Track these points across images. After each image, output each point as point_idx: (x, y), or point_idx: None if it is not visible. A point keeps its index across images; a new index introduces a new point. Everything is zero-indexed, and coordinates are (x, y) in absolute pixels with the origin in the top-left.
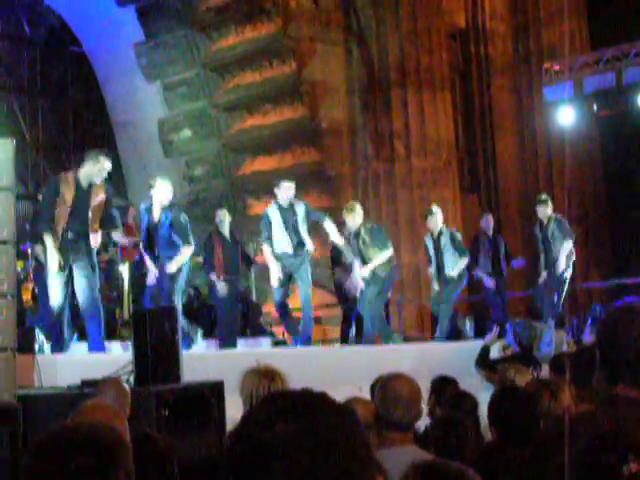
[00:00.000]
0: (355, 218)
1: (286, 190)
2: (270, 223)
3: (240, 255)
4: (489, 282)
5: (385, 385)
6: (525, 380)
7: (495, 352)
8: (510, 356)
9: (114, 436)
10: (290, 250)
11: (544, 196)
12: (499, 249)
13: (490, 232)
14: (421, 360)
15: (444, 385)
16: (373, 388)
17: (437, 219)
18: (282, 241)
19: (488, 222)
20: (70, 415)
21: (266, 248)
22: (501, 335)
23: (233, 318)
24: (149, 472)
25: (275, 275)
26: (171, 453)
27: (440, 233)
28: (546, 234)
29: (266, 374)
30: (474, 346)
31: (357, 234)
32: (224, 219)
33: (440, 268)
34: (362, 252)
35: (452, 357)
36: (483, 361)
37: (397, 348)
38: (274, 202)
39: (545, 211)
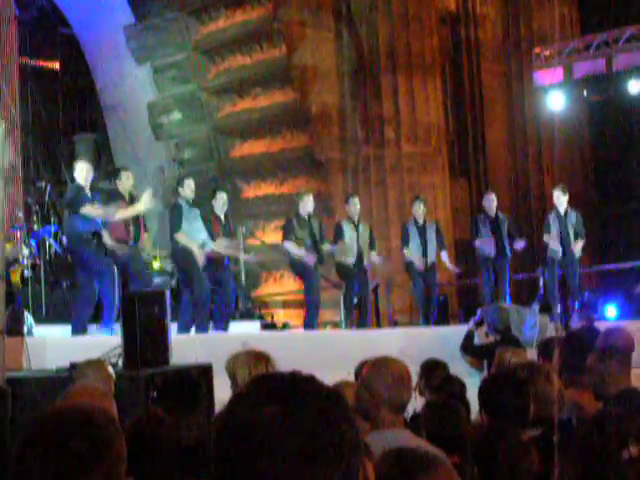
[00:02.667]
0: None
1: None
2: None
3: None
4: (487, 250)
5: (376, 366)
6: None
7: (478, 338)
8: (493, 341)
9: (107, 419)
10: None
11: (562, 185)
12: (501, 229)
13: (492, 212)
14: (409, 345)
15: (434, 368)
16: (357, 373)
17: (424, 207)
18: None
19: (490, 201)
20: (58, 398)
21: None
22: (482, 321)
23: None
24: (153, 451)
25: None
26: (173, 432)
27: (425, 222)
28: (566, 223)
29: (254, 357)
30: (462, 331)
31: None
32: (225, 203)
33: (424, 254)
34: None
35: (440, 342)
36: (467, 346)
37: (386, 332)
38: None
39: (564, 200)
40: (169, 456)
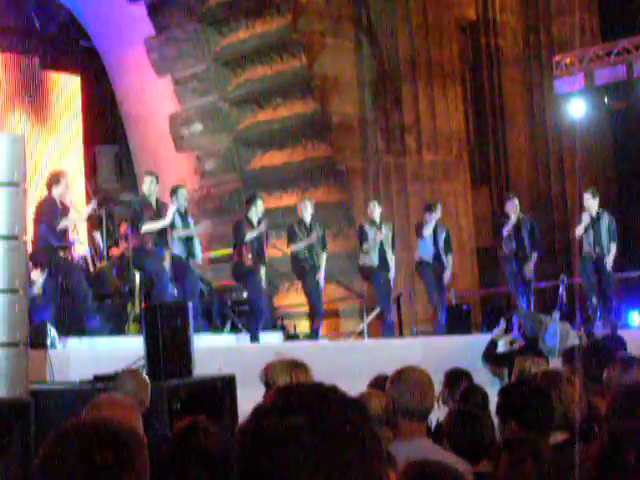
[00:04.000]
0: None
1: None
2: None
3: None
4: (507, 248)
5: (396, 376)
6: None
7: (501, 346)
8: (516, 350)
9: (131, 432)
10: None
11: (592, 188)
12: (523, 232)
13: (514, 216)
14: (432, 354)
15: (458, 378)
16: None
17: (437, 215)
18: None
19: (513, 205)
20: (83, 409)
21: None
22: (508, 329)
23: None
24: (198, 460)
25: None
26: (219, 442)
27: (437, 227)
28: (599, 226)
29: (293, 365)
30: (484, 340)
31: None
32: (260, 209)
33: (437, 259)
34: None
35: (463, 351)
36: (490, 355)
37: (409, 342)
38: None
39: (595, 203)
40: (214, 464)
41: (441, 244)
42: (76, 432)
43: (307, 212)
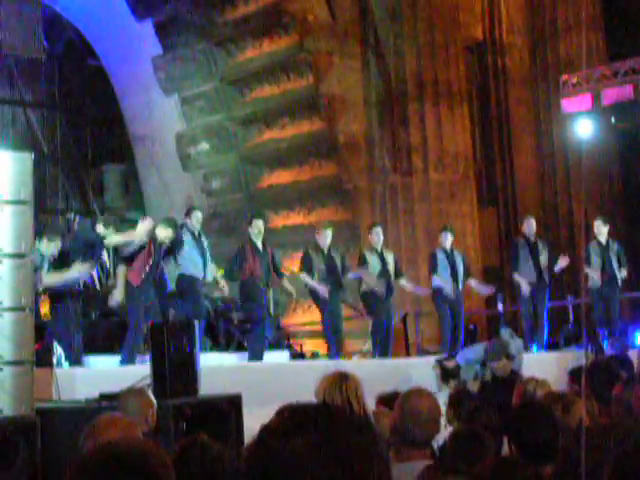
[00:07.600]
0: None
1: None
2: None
3: (271, 266)
4: (524, 289)
5: (404, 401)
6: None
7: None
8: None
9: (163, 460)
10: None
11: (604, 216)
12: (540, 256)
13: (532, 237)
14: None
15: (463, 398)
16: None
17: (451, 236)
18: None
19: (530, 226)
20: (85, 428)
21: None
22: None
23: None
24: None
25: None
26: (221, 459)
27: (453, 250)
28: (608, 253)
29: (341, 378)
30: None
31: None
32: (260, 230)
33: (455, 282)
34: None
35: None
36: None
37: (415, 361)
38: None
39: (605, 230)
40: None
41: (460, 270)
42: (103, 456)
43: (326, 241)
